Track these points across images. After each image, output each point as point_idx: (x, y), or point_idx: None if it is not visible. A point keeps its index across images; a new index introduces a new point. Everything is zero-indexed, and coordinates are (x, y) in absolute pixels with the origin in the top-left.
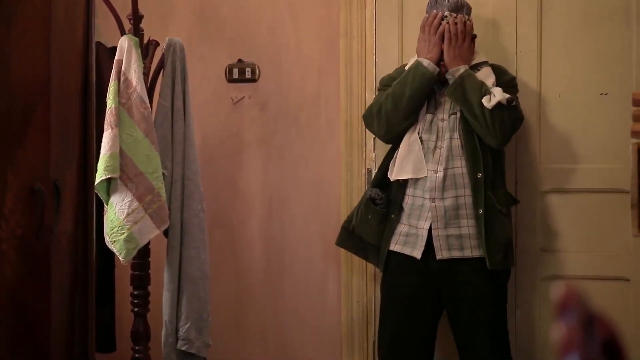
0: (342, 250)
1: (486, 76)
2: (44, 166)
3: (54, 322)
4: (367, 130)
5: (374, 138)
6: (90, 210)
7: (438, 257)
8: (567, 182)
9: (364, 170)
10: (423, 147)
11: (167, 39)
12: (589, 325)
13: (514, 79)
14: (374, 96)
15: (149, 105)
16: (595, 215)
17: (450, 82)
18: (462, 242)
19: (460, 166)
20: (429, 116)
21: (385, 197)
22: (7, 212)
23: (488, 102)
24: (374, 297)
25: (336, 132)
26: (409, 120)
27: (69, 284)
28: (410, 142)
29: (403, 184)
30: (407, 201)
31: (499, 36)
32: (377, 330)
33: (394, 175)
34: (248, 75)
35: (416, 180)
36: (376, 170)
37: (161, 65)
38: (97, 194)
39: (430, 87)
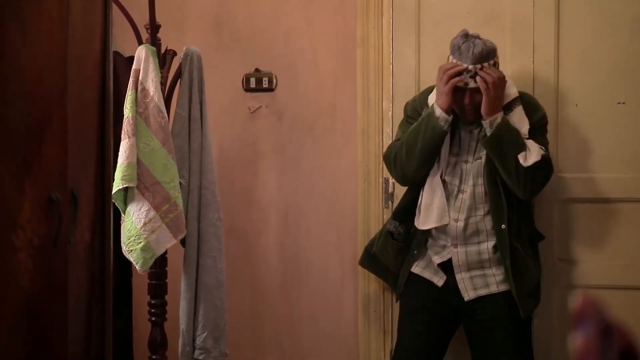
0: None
1: (520, 119)
2: (61, 175)
3: (70, 331)
4: (384, 139)
5: None
6: (107, 219)
7: (466, 298)
8: (584, 192)
9: (381, 180)
10: (446, 190)
11: (184, 48)
12: (606, 334)
13: (544, 116)
14: (390, 105)
15: (166, 114)
16: (612, 225)
17: (487, 132)
18: (487, 280)
19: (482, 214)
20: (452, 158)
21: (404, 230)
22: (24, 222)
23: (524, 160)
24: (391, 306)
25: (352, 141)
26: (424, 169)
27: (85, 293)
28: (432, 187)
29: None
30: (430, 242)
31: (516, 46)
32: (395, 343)
33: (420, 225)
34: (265, 84)
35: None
36: (398, 201)
37: (178, 74)
38: (114, 204)
39: (442, 139)
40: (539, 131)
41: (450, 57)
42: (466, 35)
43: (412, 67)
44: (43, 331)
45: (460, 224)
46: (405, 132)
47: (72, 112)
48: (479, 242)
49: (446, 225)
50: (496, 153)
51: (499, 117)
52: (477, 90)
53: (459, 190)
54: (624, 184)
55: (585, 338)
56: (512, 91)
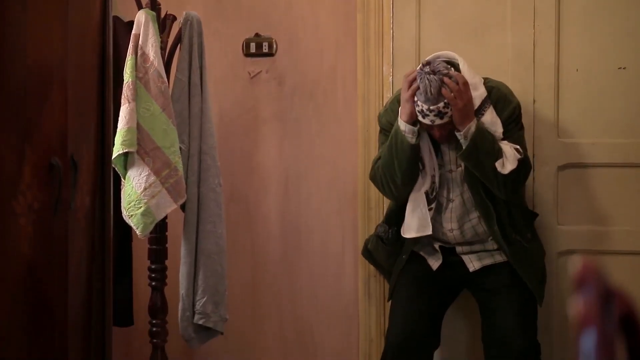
0: (360, 226)
1: (492, 121)
2: (61, 141)
3: (71, 296)
4: (384, 105)
5: None
6: (107, 184)
7: (471, 269)
8: (584, 157)
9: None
10: (434, 202)
11: (184, 13)
12: (606, 300)
13: (514, 108)
14: (391, 70)
15: (166, 79)
16: (612, 190)
17: (463, 144)
18: (490, 252)
19: (476, 217)
20: (434, 177)
21: (393, 234)
22: (25, 187)
23: (502, 168)
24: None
25: (353, 107)
26: (410, 185)
27: (86, 258)
28: (415, 198)
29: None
30: (419, 246)
31: (516, 11)
32: (390, 310)
33: (403, 233)
34: (265, 49)
35: (435, 233)
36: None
37: (178, 39)
38: (114, 169)
39: (414, 151)
40: (512, 126)
41: (415, 99)
42: (420, 71)
43: (413, 32)
44: (44, 296)
45: (456, 232)
46: (384, 147)
47: (72, 77)
48: (480, 242)
49: (442, 232)
50: (473, 164)
51: (472, 125)
52: (444, 124)
53: (448, 200)
54: (625, 149)
55: (585, 303)
56: (480, 92)
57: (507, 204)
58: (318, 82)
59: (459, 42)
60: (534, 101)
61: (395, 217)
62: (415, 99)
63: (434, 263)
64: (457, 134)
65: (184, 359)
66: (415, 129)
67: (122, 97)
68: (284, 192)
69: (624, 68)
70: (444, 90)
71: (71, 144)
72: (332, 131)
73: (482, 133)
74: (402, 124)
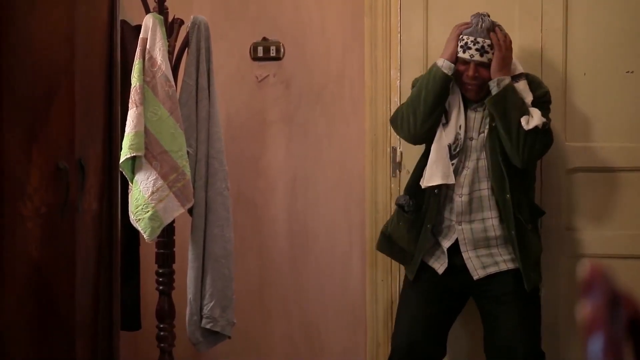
0: (367, 229)
1: (524, 90)
2: (68, 144)
3: (78, 300)
4: (392, 108)
5: None
6: (115, 188)
7: (475, 277)
8: (592, 161)
9: (388, 149)
10: (456, 159)
11: (191, 17)
12: (614, 304)
13: (547, 93)
14: (398, 74)
15: (173, 83)
16: (620, 194)
17: (493, 91)
18: (494, 259)
19: (486, 188)
20: (459, 134)
21: (414, 204)
22: (32, 191)
23: (526, 124)
24: (398, 274)
25: (360, 110)
26: (429, 121)
27: (93, 262)
28: (439, 148)
29: (437, 196)
30: (438, 219)
31: (524, 13)
32: (396, 314)
33: (425, 182)
34: (273, 53)
35: (444, 200)
36: (410, 175)
37: (186, 43)
38: (121, 172)
39: (445, 85)
40: (540, 106)
41: (460, 37)
42: (477, 14)
43: (420, 36)
44: (51, 299)
45: (465, 198)
46: None
47: (79, 81)
48: (483, 219)
49: (452, 200)
50: (500, 112)
51: (507, 78)
52: (481, 64)
53: (463, 167)
54: (632, 153)
55: (592, 307)
56: (518, 68)
57: (518, 184)
58: (325, 86)
59: None
60: None
61: (415, 187)
62: (461, 36)
63: (440, 267)
64: (490, 82)
65: None
66: (453, 65)
67: (130, 101)
68: (292, 194)
69: (632, 72)
70: (492, 35)
71: (78, 147)
72: (339, 134)
73: (514, 89)
74: (441, 60)
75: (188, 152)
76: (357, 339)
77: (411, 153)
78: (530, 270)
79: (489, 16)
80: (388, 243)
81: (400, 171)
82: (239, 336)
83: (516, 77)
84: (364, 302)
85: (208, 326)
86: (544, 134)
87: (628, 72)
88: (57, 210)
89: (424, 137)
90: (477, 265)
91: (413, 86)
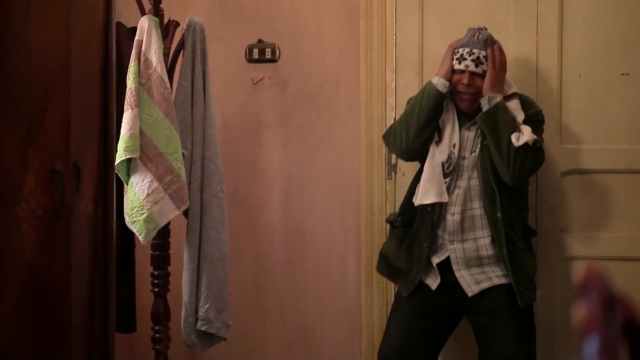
0: (363, 230)
1: (516, 109)
2: (64, 146)
3: (74, 301)
4: (387, 111)
5: (394, 119)
6: (110, 190)
7: (469, 294)
8: (587, 163)
9: (384, 151)
10: (449, 177)
11: (187, 19)
12: (609, 306)
13: (539, 112)
14: (394, 76)
15: (169, 85)
16: (616, 196)
17: (484, 108)
18: (487, 275)
19: (478, 207)
20: (452, 153)
21: (404, 218)
22: (28, 193)
23: (517, 140)
24: None
25: (356, 112)
26: (421, 138)
27: (89, 264)
28: (432, 166)
29: (430, 213)
30: (432, 238)
31: (520, 16)
32: (385, 327)
33: (418, 200)
34: (268, 55)
35: (437, 218)
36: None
37: (181, 45)
38: (117, 174)
39: (438, 103)
40: (532, 125)
41: (456, 50)
42: (473, 28)
43: (416, 38)
44: (47, 301)
45: (457, 217)
46: None
47: (75, 83)
48: (475, 238)
49: (444, 219)
50: (490, 129)
51: (498, 96)
52: (476, 74)
53: (455, 186)
54: (628, 155)
55: (588, 309)
56: (511, 87)
57: (510, 203)
58: (321, 88)
59: None
60: None
61: (408, 209)
62: (457, 49)
63: (433, 283)
64: (481, 100)
65: None
66: (447, 83)
67: (125, 103)
68: (287, 197)
69: (627, 74)
70: (489, 50)
71: (74, 149)
72: (335, 136)
73: (506, 107)
74: (436, 78)
75: (183, 154)
76: (353, 340)
77: None
78: (524, 288)
79: (486, 30)
80: (386, 264)
81: (395, 173)
82: (235, 338)
83: (509, 97)
84: (359, 304)
85: (203, 328)
86: (535, 151)
87: (623, 74)
88: (53, 213)
89: (416, 153)
90: (471, 282)
91: (408, 104)
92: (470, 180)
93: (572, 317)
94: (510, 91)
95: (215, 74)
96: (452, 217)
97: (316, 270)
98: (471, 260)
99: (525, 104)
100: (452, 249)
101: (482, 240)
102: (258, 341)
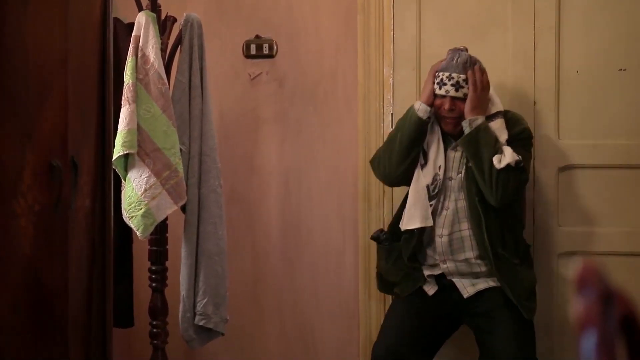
0: (360, 225)
1: (499, 129)
2: (61, 142)
3: (71, 297)
4: (385, 106)
5: (392, 114)
6: (108, 186)
7: (465, 296)
8: (585, 158)
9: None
10: (434, 200)
11: (184, 15)
12: (607, 301)
13: (524, 130)
14: (391, 72)
15: (166, 81)
16: (613, 191)
17: (466, 131)
18: (485, 279)
19: (467, 228)
20: (438, 175)
21: (388, 232)
22: (25, 188)
23: (498, 162)
24: None
25: (353, 108)
26: (404, 164)
27: (86, 259)
28: (418, 190)
29: (419, 235)
30: (423, 257)
31: (517, 12)
32: (381, 326)
33: (404, 225)
34: (266, 51)
35: (428, 239)
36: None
37: (179, 41)
38: (114, 170)
39: (420, 128)
40: (516, 144)
41: (436, 74)
42: (453, 49)
43: (413, 34)
44: (44, 297)
45: (445, 239)
46: None
47: (72, 79)
48: (466, 258)
49: (433, 240)
50: (472, 152)
51: (480, 118)
52: (457, 98)
53: (442, 207)
54: (626, 150)
55: (586, 304)
56: (496, 104)
57: (497, 220)
58: (318, 84)
59: (459, 43)
60: (535, 103)
61: (396, 231)
62: (437, 72)
63: (430, 289)
64: (463, 122)
65: None
66: (429, 109)
67: (123, 98)
68: (285, 192)
69: (625, 69)
70: (469, 73)
71: (71, 145)
72: (332, 132)
73: (487, 128)
74: (418, 103)
75: (181, 150)
76: (351, 334)
77: None
78: (524, 300)
79: (466, 50)
80: (382, 281)
81: None
82: (233, 333)
83: (492, 116)
84: (357, 299)
85: (201, 323)
86: (518, 171)
87: (621, 69)
88: (50, 208)
89: (399, 178)
90: (467, 284)
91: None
92: (457, 201)
93: (569, 313)
94: (494, 110)
95: (212, 69)
96: (440, 238)
97: (314, 264)
98: (465, 275)
99: (510, 122)
100: (445, 267)
101: (473, 260)
102: (255, 336)
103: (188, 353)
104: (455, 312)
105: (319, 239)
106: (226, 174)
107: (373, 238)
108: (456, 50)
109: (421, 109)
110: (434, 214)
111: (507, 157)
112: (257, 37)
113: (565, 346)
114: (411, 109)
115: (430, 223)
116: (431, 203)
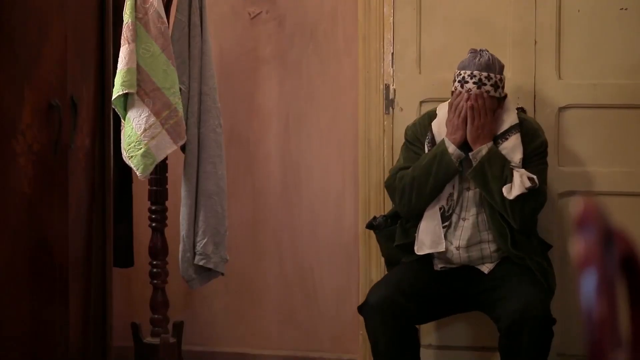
0: (360, 166)
1: (514, 148)
2: (60, 82)
3: (71, 236)
4: (385, 45)
5: (392, 54)
6: (107, 125)
7: (486, 271)
8: (585, 98)
9: (381, 86)
10: (448, 219)
11: None
12: (607, 240)
13: (542, 143)
14: (391, 11)
15: (165, 20)
16: (614, 131)
17: (473, 163)
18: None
19: (487, 240)
20: (454, 187)
21: (385, 220)
22: (25, 127)
23: (508, 193)
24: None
25: (354, 48)
26: (430, 201)
27: (86, 199)
28: (429, 214)
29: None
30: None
31: None
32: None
33: (417, 249)
34: None
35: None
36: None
37: None
38: (114, 110)
39: (454, 176)
40: (535, 159)
41: (456, 72)
42: (474, 49)
43: None
44: (44, 236)
45: (462, 251)
46: (407, 158)
47: (71, 18)
48: (483, 263)
49: (445, 252)
50: (481, 185)
51: (484, 148)
52: (478, 100)
53: (459, 218)
54: (626, 90)
55: (586, 244)
56: (511, 118)
57: (527, 235)
58: (318, 23)
59: None
60: (536, 42)
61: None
62: (458, 71)
63: (437, 264)
64: (469, 154)
65: (185, 300)
66: (463, 155)
67: (122, 37)
68: (284, 132)
69: (626, 9)
70: (470, 103)
71: (71, 84)
72: (332, 72)
73: (494, 156)
74: (452, 147)
75: (180, 89)
76: (350, 277)
77: (405, 90)
78: (544, 277)
79: (487, 51)
80: (390, 264)
81: (393, 108)
82: (232, 274)
83: (507, 132)
84: (356, 239)
85: (201, 263)
86: (533, 195)
87: (622, 8)
88: (50, 147)
89: (421, 212)
90: (487, 261)
91: (406, 135)
92: (478, 215)
93: (570, 252)
94: (508, 122)
95: (212, 8)
96: (457, 250)
97: (313, 206)
98: (477, 261)
99: (528, 135)
100: (456, 255)
101: (491, 265)
102: (255, 277)
103: (188, 293)
104: (464, 288)
105: (319, 179)
106: (226, 114)
107: (368, 227)
108: (477, 51)
109: (455, 154)
110: (451, 225)
111: (516, 187)
112: None
113: (566, 287)
114: (445, 157)
115: (442, 248)
116: (445, 224)
